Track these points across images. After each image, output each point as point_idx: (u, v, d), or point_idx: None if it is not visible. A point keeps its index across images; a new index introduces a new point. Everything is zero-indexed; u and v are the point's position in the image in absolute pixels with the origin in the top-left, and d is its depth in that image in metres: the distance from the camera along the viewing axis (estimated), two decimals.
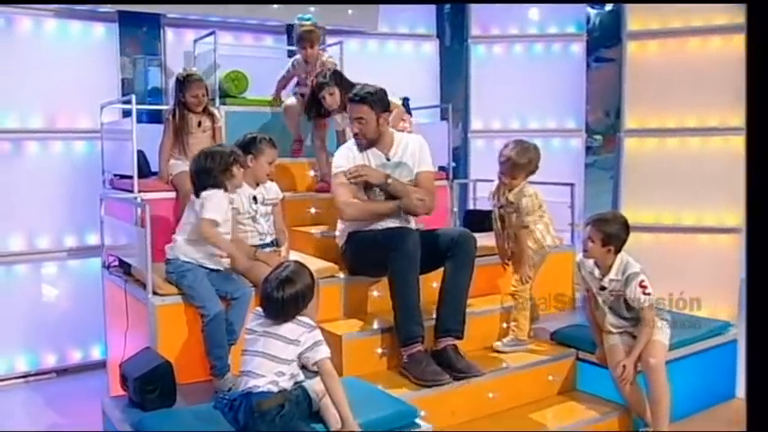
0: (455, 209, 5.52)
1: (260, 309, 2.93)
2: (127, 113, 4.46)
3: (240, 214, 3.79)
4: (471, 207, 5.85)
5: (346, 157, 4.01)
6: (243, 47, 5.63)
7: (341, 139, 4.76)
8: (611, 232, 3.61)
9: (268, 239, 3.88)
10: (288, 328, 2.84)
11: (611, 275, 3.65)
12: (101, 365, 4.87)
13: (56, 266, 5.22)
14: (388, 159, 4.06)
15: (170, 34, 5.63)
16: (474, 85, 6.67)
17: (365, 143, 4.01)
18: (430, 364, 3.61)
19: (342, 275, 4.05)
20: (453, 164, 5.66)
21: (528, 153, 4.03)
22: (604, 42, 7.22)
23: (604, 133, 8.04)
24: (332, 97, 4.60)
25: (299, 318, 2.88)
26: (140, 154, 4.63)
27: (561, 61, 6.64)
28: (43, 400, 4.67)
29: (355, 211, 3.95)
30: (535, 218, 4.05)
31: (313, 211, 4.64)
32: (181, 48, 5.63)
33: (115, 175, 4.71)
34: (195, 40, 5.34)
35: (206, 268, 3.57)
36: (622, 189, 6.33)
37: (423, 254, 3.73)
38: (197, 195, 3.55)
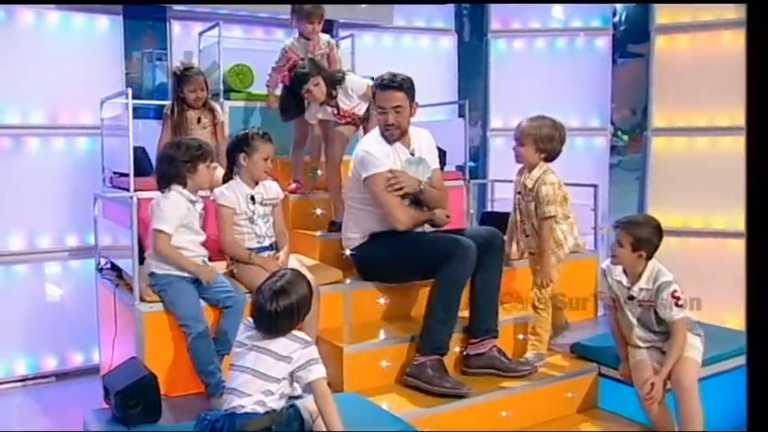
0: (471, 210, 5.20)
1: (250, 319, 2.64)
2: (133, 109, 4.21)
3: (237, 215, 3.51)
4: (489, 209, 5.50)
5: (384, 153, 3.65)
6: (250, 40, 5.31)
7: (317, 132, 4.51)
8: (642, 236, 3.27)
9: (267, 242, 3.58)
10: (280, 344, 2.55)
11: (641, 284, 3.31)
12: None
13: (57, 267, 4.97)
14: (413, 155, 3.74)
15: (177, 27, 5.34)
16: (493, 81, 6.33)
17: (398, 135, 3.68)
18: (445, 375, 3.36)
19: (348, 281, 3.74)
20: (472, 163, 5.33)
21: (542, 125, 3.68)
22: (631, 37, 6.81)
23: (630, 132, 7.63)
24: (317, 88, 4.14)
25: (294, 333, 2.59)
26: (142, 151, 4.41)
27: (585, 57, 6.27)
28: (39, 406, 4.43)
29: (411, 221, 3.65)
30: (557, 209, 3.68)
31: (319, 212, 4.34)
32: (188, 42, 5.34)
33: (115, 173, 4.49)
34: (200, 33, 5.06)
35: (190, 279, 3.29)
36: (648, 191, 5.96)
37: None
38: (159, 189, 3.33)
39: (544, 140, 3.67)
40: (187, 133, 4.17)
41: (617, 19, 6.70)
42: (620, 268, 3.39)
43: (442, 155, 5.12)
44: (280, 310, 2.54)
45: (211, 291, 3.30)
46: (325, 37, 4.63)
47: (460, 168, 5.17)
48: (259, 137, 3.52)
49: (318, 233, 4.11)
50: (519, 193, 3.82)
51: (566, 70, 6.22)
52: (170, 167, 3.26)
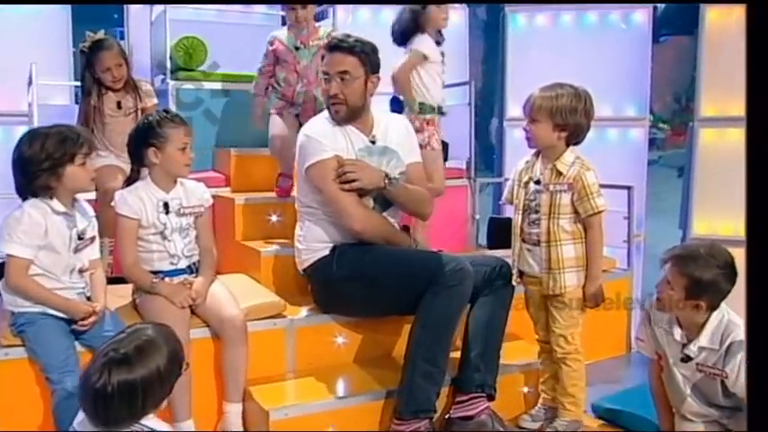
0: (477, 215, 4.13)
1: None
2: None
3: (143, 228, 2.52)
4: (499, 214, 4.42)
5: (329, 136, 2.65)
6: (209, 10, 4.27)
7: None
8: (702, 278, 2.17)
9: (183, 263, 2.58)
10: None
11: (702, 342, 2.22)
12: None
13: None
14: (373, 142, 2.71)
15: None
16: (511, 63, 5.20)
17: (344, 114, 2.66)
18: None
19: (291, 317, 2.70)
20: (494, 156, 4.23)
21: (560, 95, 2.53)
22: (676, 10, 5.58)
23: (673, 123, 6.46)
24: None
25: (144, 422, 1.58)
26: None
27: (620, 35, 5.08)
28: None
29: (372, 224, 2.63)
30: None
31: (274, 219, 3.27)
32: (149, 17, 4.38)
33: None
34: (151, 2, 4.06)
35: (58, 317, 2.31)
36: (694, 192, 4.76)
37: None
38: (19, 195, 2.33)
39: (564, 113, 2.51)
40: (102, 123, 3.21)
41: None
42: (669, 316, 2.30)
43: (444, 148, 4.08)
44: (111, 391, 1.57)
45: (92, 332, 2.31)
46: (325, 28, 3.53)
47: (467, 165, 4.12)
48: (169, 120, 2.53)
49: (266, 249, 3.06)
50: (536, 182, 2.61)
51: (597, 50, 5.05)
52: (23, 177, 2.29)
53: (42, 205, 2.27)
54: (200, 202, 2.64)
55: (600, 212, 2.55)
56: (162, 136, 2.50)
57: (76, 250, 2.35)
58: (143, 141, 2.52)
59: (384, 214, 2.69)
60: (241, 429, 2.47)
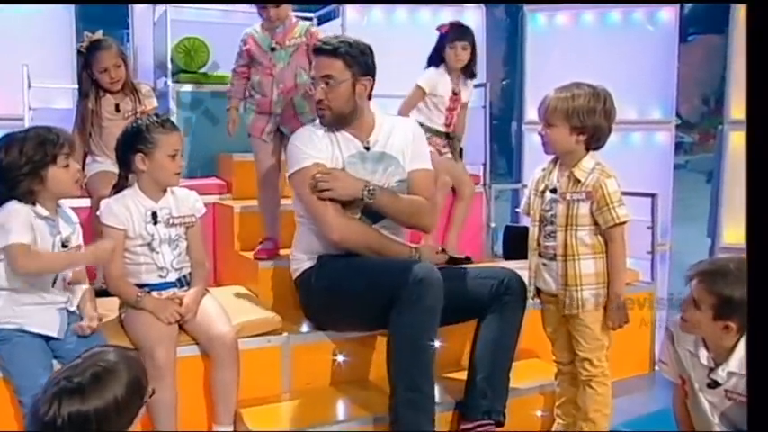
0: (493, 224, 3.93)
1: None
2: None
3: (130, 239, 2.36)
4: (516, 223, 4.21)
5: (315, 144, 2.49)
6: (213, 10, 4.11)
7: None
8: (733, 297, 1.94)
9: (173, 276, 2.41)
10: None
11: (732, 366, 1.99)
12: None
13: None
14: (367, 149, 2.53)
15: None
16: (530, 64, 5.01)
17: (329, 118, 2.49)
18: None
19: (287, 334, 2.53)
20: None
21: (577, 95, 2.30)
22: (705, 9, 5.33)
23: (701, 126, 6.18)
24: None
25: None
26: None
27: (645, 34, 4.86)
28: None
29: (351, 233, 2.44)
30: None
31: None
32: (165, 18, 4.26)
33: None
34: (153, 3, 3.93)
35: (36, 334, 2.15)
36: (723, 198, 4.54)
37: (448, 303, 2.25)
38: None
39: (581, 115, 2.29)
40: (100, 126, 3.08)
41: None
42: (695, 338, 2.08)
43: (459, 152, 3.90)
44: (62, 424, 1.41)
45: (71, 351, 2.15)
46: (303, 24, 3.07)
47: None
48: (158, 125, 2.36)
49: (264, 260, 2.88)
50: (552, 191, 2.39)
51: (620, 50, 4.83)
52: (3, 182, 2.14)
53: (26, 207, 2.13)
54: (192, 212, 2.48)
55: (622, 224, 2.32)
56: (150, 142, 2.33)
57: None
58: (131, 147, 2.36)
59: (378, 225, 2.50)
60: None
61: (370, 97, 2.56)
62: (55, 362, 2.15)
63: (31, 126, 2.23)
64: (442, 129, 3.53)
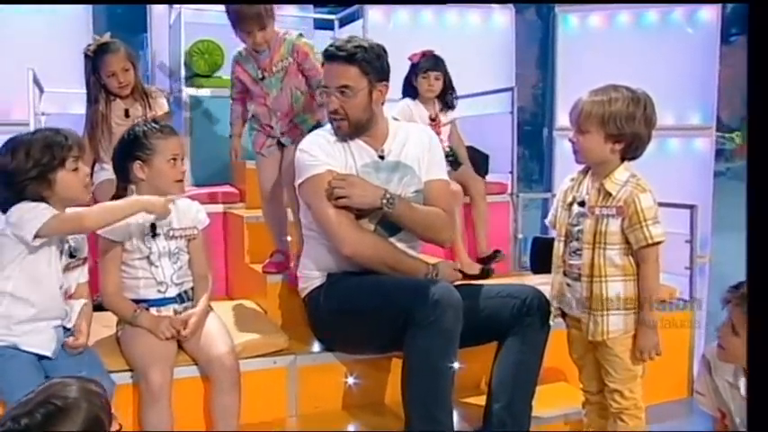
0: (520, 235, 3.73)
1: None
2: None
3: (127, 252, 2.23)
4: (546, 234, 3.99)
5: (327, 150, 2.32)
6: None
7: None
8: None
9: (172, 292, 2.26)
10: None
11: None
12: None
13: None
14: (382, 157, 2.36)
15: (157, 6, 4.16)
16: (562, 68, 4.81)
17: (347, 129, 2.32)
18: None
19: (294, 354, 2.37)
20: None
21: (613, 99, 2.06)
22: (748, 8, 5.07)
23: (743, 131, 5.87)
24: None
25: None
26: None
27: (684, 35, 4.63)
28: None
29: (371, 251, 2.27)
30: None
31: (287, 239, 2.94)
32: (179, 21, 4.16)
33: None
34: (170, 4, 3.82)
35: (29, 352, 2.03)
36: None
37: (465, 323, 2.09)
38: (3, 211, 2.05)
39: (618, 122, 2.06)
40: (109, 132, 2.97)
41: None
42: (734, 367, 1.88)
43: (484, 160, 3.73)
44: None
45: (65, 370, 2.02)
46: (289, 39, 2.66)
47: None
48: (157, 131, 2.23)
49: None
50: (580, 204, 2.16)
51: (657, 53, 4.61)
52: (9, 187, 2.03)
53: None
54: (194, 224, 2.33)
55: (656, 244, 2.08)
56: (148, 148, 2.20)
57: (66, 269, 2.10)
58: (128, 155, 2.23)
59: (395, 238, 2.33)
60: None
61: (383, 102, 2.39)
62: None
63: (38, 129, 2.11)
64: None
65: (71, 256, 2.13)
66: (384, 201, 2.24)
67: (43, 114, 3.60)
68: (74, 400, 1.31)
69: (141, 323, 2.16)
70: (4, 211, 2.07)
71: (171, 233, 2.27)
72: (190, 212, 2.35)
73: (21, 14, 3.91)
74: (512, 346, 2.22)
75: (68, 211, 2.05)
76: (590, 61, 4.69)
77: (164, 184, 2.23)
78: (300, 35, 2.68)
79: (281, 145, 2.74)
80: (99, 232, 2.22)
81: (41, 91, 3.53)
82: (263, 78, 2.65)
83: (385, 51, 2.34)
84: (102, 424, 1.33)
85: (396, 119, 3.29)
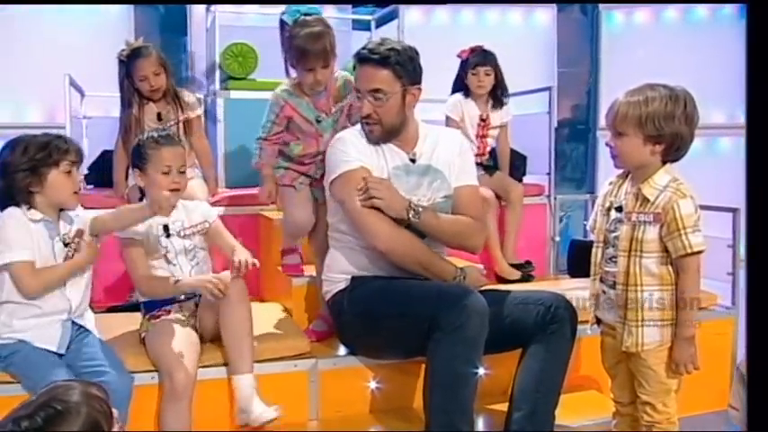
0: (557, 237, 3.65)
1: None
2: None
3: (146, 253, 2.28)
4: (585, 237, 3.90)
5: (360, 148, 2.30)
6: (264, 15, 3.95)
7: None
8: None
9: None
10: None
11: None
12: None
13: None
14: (413, 161, 2.33)
15: (198, 6, 4.23)
16: (606, 67, 4.70)
17: (379, 133, 2.29)
18: None
19: (315, 359, 2.35)
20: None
21: (651, 98, 1.97)
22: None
23: None
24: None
25: None
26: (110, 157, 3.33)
27: (735, 31, 4.45)
28: None
29: (405, 249, 2.24)
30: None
31: None
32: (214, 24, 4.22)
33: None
34: (207, 8, 3.87)
35: (44, 349, 2.06)
36: None
37: (490, 329, 2.06)
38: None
39: (657, 122, 1.97)
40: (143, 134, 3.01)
41: None
42: None
43: (522, 161, 3.66)
44: None
45: (83, 365, 2.06)
46: (342, 78, 2.52)
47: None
48: (152, 141, 2.27)
49: (298, 276, 2.72)
50: (617, 209, 2.09)
51: (706, 50, 4.52)
52: (3, 178, 2.08)
53: (19, 213, 2.06)
54: (203, 219, 2.36)
55: (696, 253, 1.98)
56: (144, 157, 2.25)
57: (65, 259, 2.11)
58: (132, 163, 2.32)
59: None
60: (259, 401, 2.13)
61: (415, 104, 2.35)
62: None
63: (45, 132, 2.16)
64: (476, 159, 3.12)
65: (64, 244, 2.13)
66: (411, 212, 2.20)
67: (84, 118, 3.70)
68: (75, 404, 1.32)
69: (185, 289, 2.21)
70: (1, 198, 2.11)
71: (182, 232, 2.31)
72: (198, 210, 2.39)
73: (65, 17, 4.03)
74: (535, 353, 2.16)
75: (35, 271, 2.03)
76: (635, 59, 4.59)
77: (155, 193, 2.21)
78: (354, 67, 2.41)
79: (309, 177, 2.60)
80: (117, 234, 2.26)
81: (82, 95, 3.62)
82: (320, 121, 2.51)
83: (417, 54, 2.30)
84: (101, 427, 1.34)
85: (451, 118, 3.31)
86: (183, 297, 2.29)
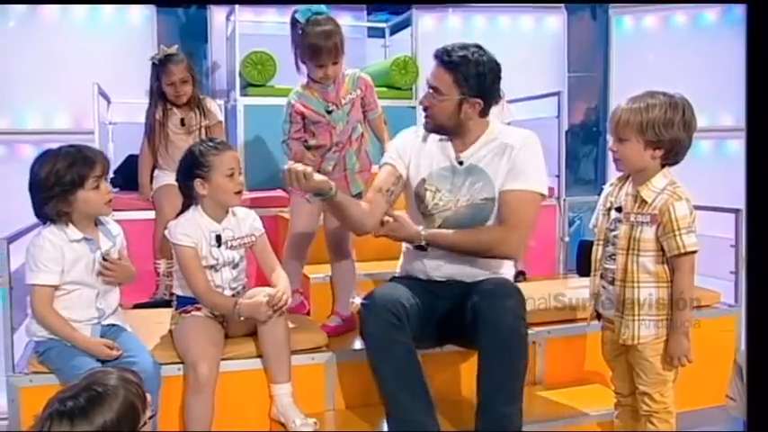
0: (566, 238, 3.75)
1: None
2: None
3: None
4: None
5: (407, 144, 2.47)
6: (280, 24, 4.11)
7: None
8: None
9: (227, 294, 2.40)
10: None
11: None
12: None
13: None
14: (461, 163, 2.41)
15: (218, 16, 4.38)
16: (615, 71, 4.77)
17: (430, 126, 2.41)
18: None
19: (331, 353, 2.48)
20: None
21: (651, 106, 2.09)
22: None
23: None
24: None
25: None
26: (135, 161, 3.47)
27: (742, 36, 4.29)
28: None
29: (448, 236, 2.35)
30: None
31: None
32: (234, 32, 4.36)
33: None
34: (227, 17, 4.02)
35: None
36: None
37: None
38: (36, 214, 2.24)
39: (657, 128, 2.10)
40: (166, 140, 3.17)
41: None
42: None
43: None
44: None
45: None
46: (351, 74, 2.74)
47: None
48: (212, 148, 2.35)
49: (315, 274, 2.83)
50: (617, 209, 2.22)
51: (715, 55, 4.54)
52: (36, 199, 2.19)
53: (59, 233, 2.18)
54: (251, 232, 2.45)
55: (689, 253, 2.10)
56: (206, 165, 2.32)
57: (98, 275, 2.24)
58: (189, 174, 2.36)
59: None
60: (297, 411, 2.28)
61: (483, 115, 2.38)
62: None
63: (70, 144, 2.27)
64: None
65: (103, 259, 2.25)
66: (422, 240, 2.30)
67: (110, 123, 3.85)
68: (113, 387, 1.46)
69: (243, 313, 2.29)
70: (39, 218, 2.24)
71: (230, 243, 2.40)
72: (247, 221, 2.46)
73: (91, 27, 4.18)
74: (485, 348, 2.19)
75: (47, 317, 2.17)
76: (646, 64, 4.65)
77: (223, 198, 2.36)
78: (361, 71, 2.75)
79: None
80: (175, 241, 2.34)
81: (108, 102, 3.78)
82: (330, 112, 2.68)
83: (494, 70, 2.33)
84: (137, 409, 1.48)
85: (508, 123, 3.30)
86: None
